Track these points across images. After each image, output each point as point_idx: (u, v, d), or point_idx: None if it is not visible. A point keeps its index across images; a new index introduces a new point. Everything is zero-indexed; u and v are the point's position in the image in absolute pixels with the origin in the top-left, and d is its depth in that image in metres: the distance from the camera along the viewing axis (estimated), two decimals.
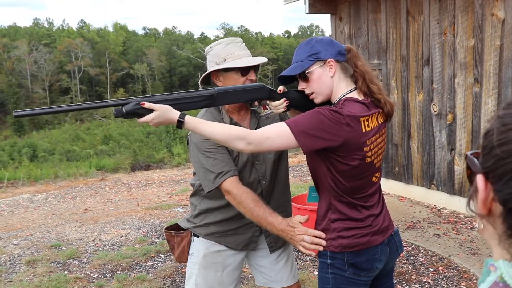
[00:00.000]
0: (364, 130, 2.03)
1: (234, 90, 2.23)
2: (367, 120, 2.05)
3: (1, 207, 10.19)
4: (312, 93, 2.16)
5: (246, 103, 2.36)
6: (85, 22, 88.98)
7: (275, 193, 2.66)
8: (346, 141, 1.98)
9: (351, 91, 2.12)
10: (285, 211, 2.63)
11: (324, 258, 2.17)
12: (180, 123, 1.99)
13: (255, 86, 2.27)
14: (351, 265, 2.11)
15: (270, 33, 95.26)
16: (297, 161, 14.36)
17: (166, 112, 1.99)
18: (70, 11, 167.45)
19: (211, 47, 2.51)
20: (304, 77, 2.13)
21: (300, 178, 10.66)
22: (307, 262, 4.91)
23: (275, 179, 2.64)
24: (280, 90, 2.28)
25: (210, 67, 2.47)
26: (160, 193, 10.35)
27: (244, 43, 2.54)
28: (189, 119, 2.00)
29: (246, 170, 2.50)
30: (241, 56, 2.43)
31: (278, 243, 2.69)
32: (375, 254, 2.15)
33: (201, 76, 2.55)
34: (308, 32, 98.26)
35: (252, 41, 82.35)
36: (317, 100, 2.17)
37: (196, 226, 2.69)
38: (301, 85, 2.18)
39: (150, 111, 1.98)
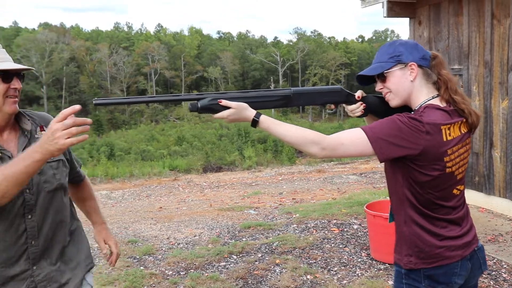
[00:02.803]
0: (445, 139, 1.95)
1: (311, 92, 2.18)
2: (449, 128, 1.97)
3: None
4: (387, 93, 2.10)
5: (322, 105, 2.27)
6: (162, 26, 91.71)
7: (45, 232, 2.06)
8: (425, 149, 1.90)
9: (432, 98, 2.05)
10: (61, 257, 2.15)
11: (399, 267, 2.11)
12: (255, 122, 1.98)
13: (333, 89, 2.21)
14: (427, 277, 2.04)
15: (344, 38, 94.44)
16: (370, 168, 14.14)
17: (242, 110, 1.98)
18: (148, 16, 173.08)
19: None
20: (383, 77, 2.08)
21: (373, 185, 10.48)
22: (381, 271, 4.80)
23: (47, 214, 2.06)
24: (358, 96, 2.23)
25: None
26: (232, 194, 10.47)
27: (2, 47, 2.07)
28: (264, 119, 1.98)
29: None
30: (3, 60, 1.98)
31: None
32: (454, 268, 2.05)
33: None
34: (383, 37, 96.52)
35: (325, 46, 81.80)
36: (393, 102, 2.10)
37: None
38: (378, 86, 2.12)
39: (226, 108, 1.97)
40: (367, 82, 2.19)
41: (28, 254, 2.01)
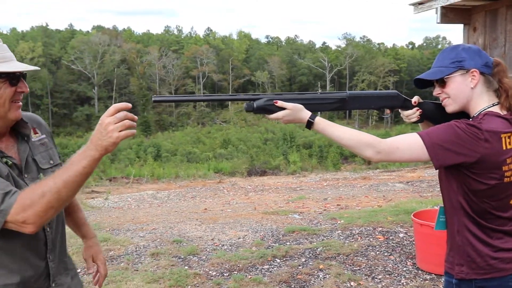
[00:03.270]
0: (504, 148, 1.89)
1: (367, 96, 2.15)
2: (509, 137, 1.91)
3: (129, 201, 10.88)
4: (445, 99, 2.04)
5: (378, 110, 2.25)
6: (211, 30, 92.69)
7: (58, 244, 1.94)
8: (483, 157, 1.85)
9: (493, 105, 1.99)
10: (65, 266, 2.00)
11: (450, 277, 2.07)
12: (309, 124, 1.97)
13: (389, 94, 2.17)
14: None
15: (393, 44, 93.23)
16: (417, 177, 13.90)
17: (298, 111, 1.98)
18: (198, 19, 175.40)
19: None
20: (442, 82, 2.02)
21: (419, 193, 10.30)
22: (426, 281, 4.70)
23: (58, 225, 1.94)
24: (415, 102, 2.18)
25: None
26: (276, 198, 10.48)
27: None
28: (319, 121, 1.97)
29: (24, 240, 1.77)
30: (7, 59, 1.74)
31: None
32: (508, 281, 1.98)
33: None
34: (434, 44, 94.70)
35: (374, 52, 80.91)
36: (449, 107, 2.05)
37: None
38: (436, 91, 2.06)
39: (281, 108, 1.96)
40: (425, 85, 2.14)
41: (48, 270, 1.86)
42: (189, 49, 75.40)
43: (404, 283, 4.66)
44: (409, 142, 1.90)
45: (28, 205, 1.56)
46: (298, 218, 7.49)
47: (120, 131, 1.57)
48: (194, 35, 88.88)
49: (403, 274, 4.88)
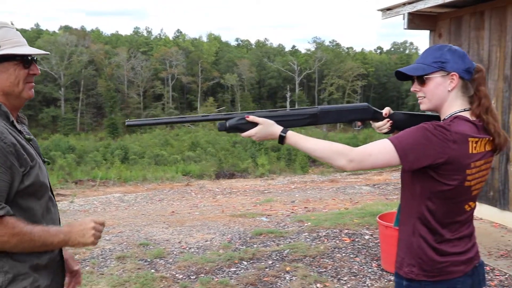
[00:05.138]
0: (471, 152, 1.93)
1: (338, 110, 2.19)
2: (476, 142, 1.95)
3: (95, 204, 10.73)
4: (421, 97, 2.08)
5: (349, 123, 2.29)
6: (181, 32, 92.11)
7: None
8: (450, 158, 1.89)
9: (464, 110, 2.02)
10: None
11: (400, 278, 2.10)
12: (282, 138, 2.00)
13: (360, 106, 2.21)
14: None
15: (362, 49, 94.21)
16: (383, 179, 14.06)
17: (269, 127, 2.02)
18: (168, 21, 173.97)
19: None
20: (421, 81, 2.04)
21: (385, 196, 10.43)
22: (391, 282, 4.77)
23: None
24: (385, 113, 2.24)
25: None
26: (244, 201, 10.47)
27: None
28: (291, 134, 2.01)
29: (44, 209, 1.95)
30: (21, 44, 1.91)
31: None
32: (456, 284, 2.04)
33: None
34: (401, 49, 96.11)
35: (343, 56, 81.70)
36: (423, 106, 2.09)
37: None
38: (414, 87, 2.09)
39: (254, 125, 2.00)
40: (406, 78, 2.15)
41: (61, 250, 2.05)
42: (158, 51, 74.78)
43: (369, 284, 4.71)
44: (380, 148, 1.93)
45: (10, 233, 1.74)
46: (265, 221, 7.51)
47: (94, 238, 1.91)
48: (163, 37, 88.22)
49: (368, 275, 4.94)
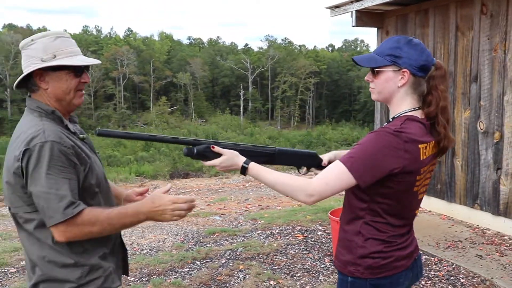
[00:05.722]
0: (421, 158, 1.93)
1: (291, 153, 2.30)
2: (425, 148, 1.94)
3: None
4: (373, 89, 2.06)
5: (298, 167, 2.40)
6: (132, 31, 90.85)
7: None
8: (403, 168, 1.88)
9: (414, 110, 2.00)
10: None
11: (344, 275, 2.09)
12: (244, 169, 2.03)
13: (310, 154, 2.34)
14: (372, 286, 2.03)
15: (314, 46, 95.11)
16: None
17: (233, 157, 2.06)
18: (118, 20, 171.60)
19: (32, 39, 2.07)
20: (374, 72, 2.03)
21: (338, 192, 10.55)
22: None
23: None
24: (324, 163, 2.32)
25: (34, 65, 2.00)
26: (198, 201, 10.40)
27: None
28: (253, 166, 2.04)
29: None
30: (75, 54, 2.07)
31: None
32: (399, 278, 2.06)
33: (20, 77, 2.06)
34: (353, 46, 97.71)
35: (296, 54, 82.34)
36: (373, 96, 2.08)
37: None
38: (368, 77, 2.07)
39: (218, 155, 2.06)
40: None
41: (120, 237, 2.28)
42: (109, 50, 73.50)
43: (322, 280, 4.76)
44: (336, 174, 1.89)
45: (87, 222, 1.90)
46: (219, 220, 7.48)
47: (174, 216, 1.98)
48: (114, 36, 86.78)
49: (321, 271, 4.98)
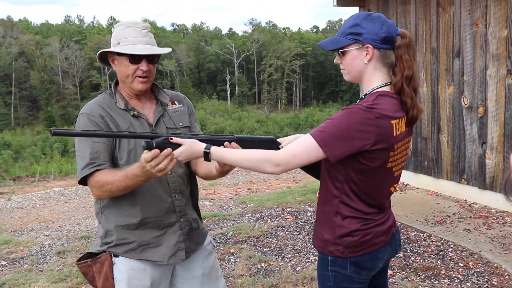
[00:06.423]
0: (395, 134, 1.92)
1: (251, 140, 2.25)
2: (398, 123, 1.93)
3: (33, 200, 10.39)
4: (343, 69, 2.05)
5: None
6: (114, 19, 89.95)
7: (183, 186, 2.41)
8: (375, 144, 1.86)
9: (385, 85, 1.98)
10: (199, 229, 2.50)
11: (324, 255, 2.08)
12: (206, 154, 2.00)
13: (268, 139, 2.28)
14: (353, 263, 2.03)
15: (299, 28, 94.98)
16: None
17: (192, 146, 2.01)
18: (100, 8, 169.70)
19: (114, 27, 2.33)
20: (340, 53, 2.02)
21: None
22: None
23: (184, 174, 2.41)
24: (281, 146, 2.22)
25: (104, 49, 2.32)
26: None
27: (149, 30, 2.32)
28: (214, 149, 2.00)
29: (152, 181, 2.21)
30: (135, 43, 2.22)
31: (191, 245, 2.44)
32: (378, 254, 2.08)
33: (99, 52, 2.33)
34: (337, 27, 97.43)
35: (280, 37, 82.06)
36: (345, 77, 2.07)
37: (111, 246, 2.33)
38: (337, 59, 2.06)
39: (178, 146, 2.01)
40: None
41: (174, 207, 2.34)
42: (92, 39, 72.89)
43: (313, 260, 4.79)
44: (304, 146, 1.88)
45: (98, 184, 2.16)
46: (209, 205, 7.49)
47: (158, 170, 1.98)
48: (96, 25, 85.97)
49: (312, 251, 5.02)
